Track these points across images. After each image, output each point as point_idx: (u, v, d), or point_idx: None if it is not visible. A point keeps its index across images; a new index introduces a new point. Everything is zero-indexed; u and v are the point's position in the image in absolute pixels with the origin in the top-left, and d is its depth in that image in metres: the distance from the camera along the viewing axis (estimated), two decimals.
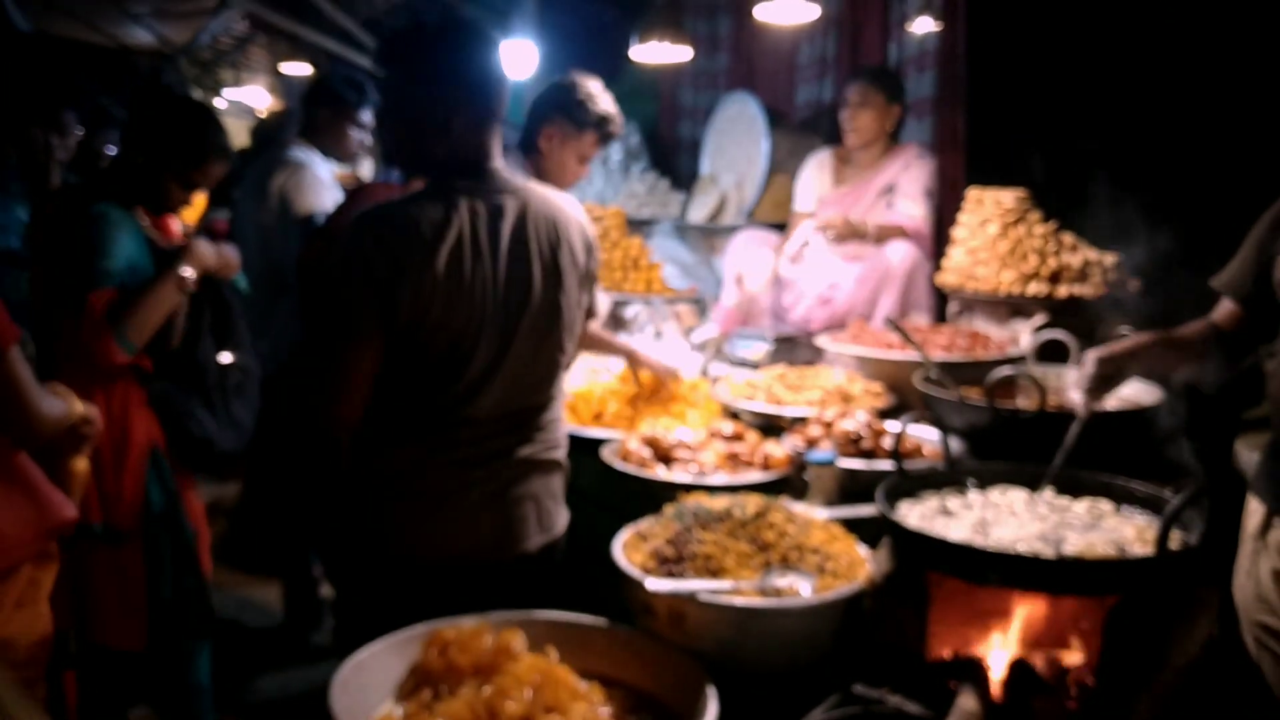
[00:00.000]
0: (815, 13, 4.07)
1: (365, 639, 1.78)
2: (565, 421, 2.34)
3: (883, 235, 3.93)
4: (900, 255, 3.85)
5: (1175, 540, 1.73)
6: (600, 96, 3.21)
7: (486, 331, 2.07)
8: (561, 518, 2.31)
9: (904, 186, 4.01)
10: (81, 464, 2.14)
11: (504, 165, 2.16)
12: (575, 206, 2.26)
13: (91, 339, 2.52)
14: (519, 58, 5.11)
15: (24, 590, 1.98)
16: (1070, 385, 2.24)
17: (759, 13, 4.11)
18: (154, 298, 2.63)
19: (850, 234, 3.94)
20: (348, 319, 2.00)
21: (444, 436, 2.11)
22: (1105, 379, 2.16)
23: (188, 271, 2.69)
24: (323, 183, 3.92)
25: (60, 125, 3.58)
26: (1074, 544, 1.82)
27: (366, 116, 4.08)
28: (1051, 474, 2.09)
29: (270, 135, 5.10)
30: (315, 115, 4.08)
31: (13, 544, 1.92)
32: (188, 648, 2.78)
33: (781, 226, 4.49)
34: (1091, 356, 2.17)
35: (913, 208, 3.96)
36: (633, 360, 3.18)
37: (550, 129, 3.20)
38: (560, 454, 2.30)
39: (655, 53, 4.33)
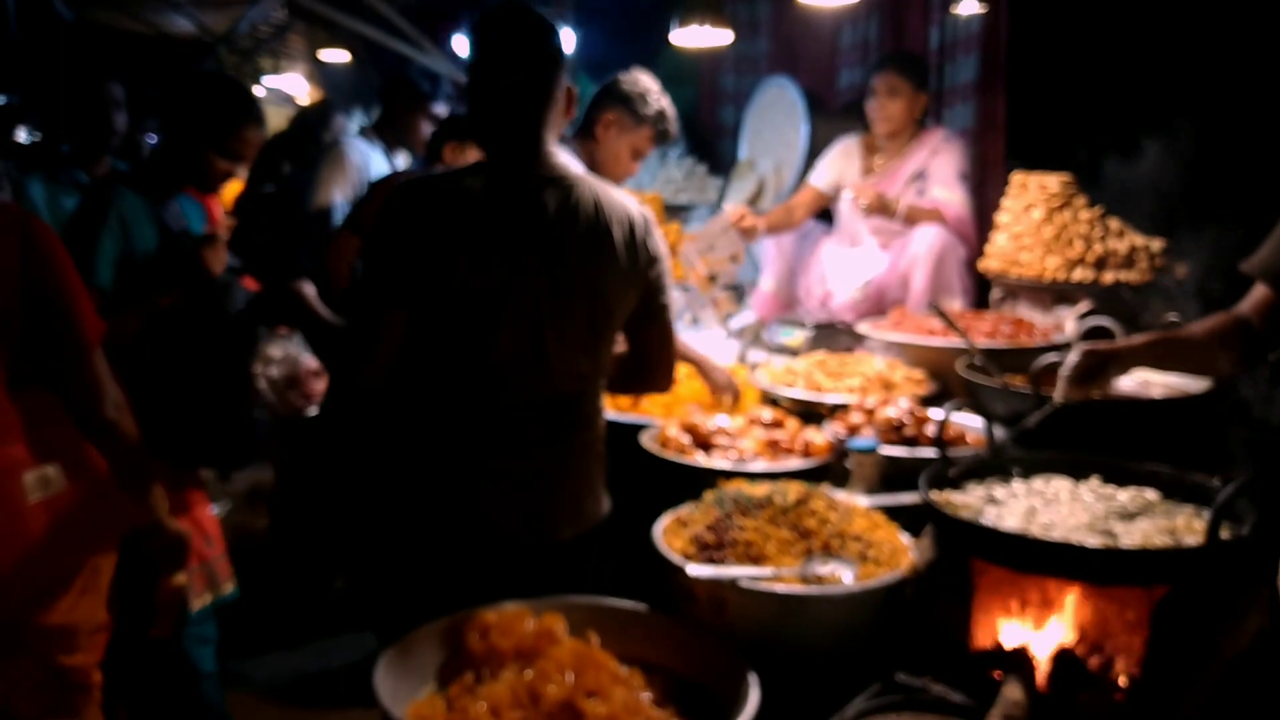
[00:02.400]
0: None
1: (395, 621, 1.82)
2: (604, 411, 2.32)
3: (913, 216, 3.90)
4: (929, 239, 3.82)
5: (1226, 531, 1.70)
6: (660, 94, 3.26)
7: (511, 308, 2.06)
8: (598, 508, 2.28)
9: (936, 172, 3.96)
10: (175, 581, 2.18)
11: (559, 152, 2.16)
12: (631, 203, 2.20)
13: None
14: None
15: (88, 578, 2.02)
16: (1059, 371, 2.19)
17: None
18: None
19: (880, 208, 3.93)
20: (379, 273, 2.06)
21: (477, 420, 2.12)
22: (1089, 371, 2.12)
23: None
24: (355, 172, 3.96)
25: (117, 102, 3.63)
26: (1122, 533, 1.79)
27: (439, 108, 4.19)
28: (1012, 457, 2.09)
29: (310, 123, 5.14)
30: (393, 107, 4.19)
31: (79, 539, 1.95)
32: (185, 641, 2.81)
33: (823, 215, 4.46)
34: (1078, 348, 2.13)
35: (949, 194, 3.91)
36: (700, 369, 3.10)
37: (609, 117, 3.25)
38: (598, 443, 2.28)
39: (695, 37, 4.30)
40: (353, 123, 4.72)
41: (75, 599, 2.00)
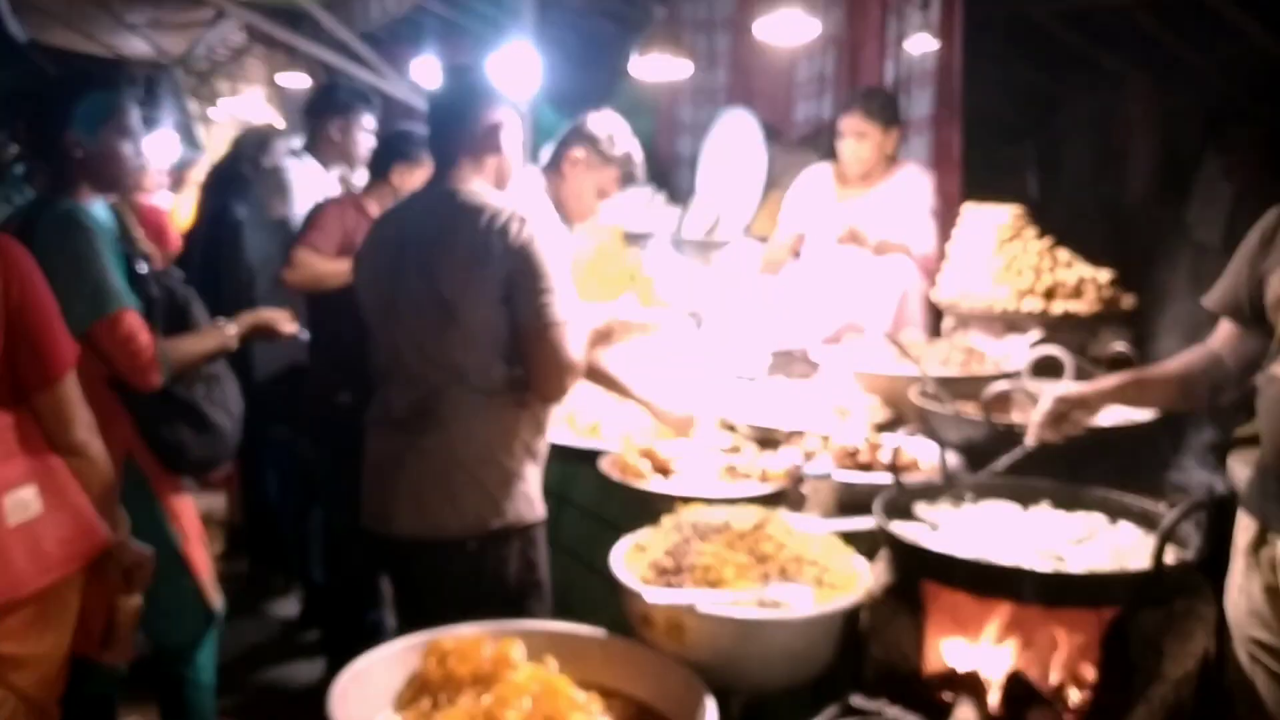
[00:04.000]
0: (815, 31, 4.08)
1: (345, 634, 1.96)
2: (482, 418, 2.39)
3: (883, 249, 3.92)
4: (894, 272, 3.86)
5: (1171, 555, 1.74)
6: (628, 136, 3.30)
7: (383, 313, 2.46)
8: (456, 517, 2.35)
9: (907, 208, 3.92)
10: (133, 602, 2.14)
11: (458, 172, 2.44)
12: (499, 209, 2.34)
13: (131, 362, 2.52)
14: (521, 74, 5.09)
15: (56, 605, 1.98)
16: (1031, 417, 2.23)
17: (757, 30, 4.13)
18: (201, 346, 2.74)
19: (853, 239, 3.92)
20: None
21: (374, 413, 2.53)
22: (1060, 416, 2.17)
23: (232, 330, 2.83)
24: (296, 193, 3.97)
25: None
26: (1071, 558, 1.83)
27: (368, 121, 4.16)
28: (973, 486, 2.16)
29: (247, 151, 4.99)
30: (317, 123, 4.15)
31: (55, 563, 1.92)
32: (187, 648, 2.77)
33: None
34: (1050, 394, 2.18)
35: (921, 236, 3.89)
36: (650, 412, 2.97)
37: (575, 155, 3.28)
38: (464, 453, 2.36)
39: (654, 67, 4.36)
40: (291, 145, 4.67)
41: (43, 626, 1.95)
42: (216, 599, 2.82)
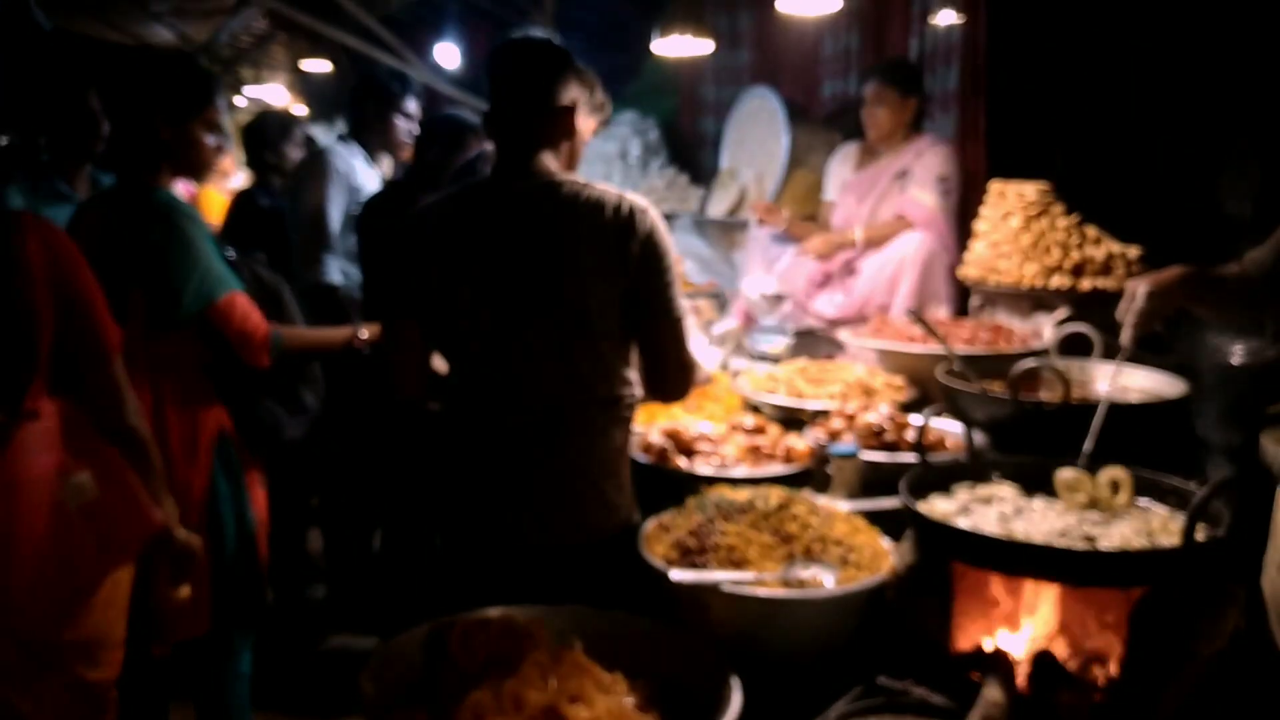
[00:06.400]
0: (837, 4, 4.04)
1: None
2: (602, 429, 2.23)
3: (874, 238, 4.05)
4: (915, 245, 3.88)
5: (1202, 532, 1.72)
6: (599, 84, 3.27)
7: (483, 318, 2.17)
8: (577, 529, 2.22)
9: (916, 174, 4.06)
10: (183, 591, 2.15)
11: (542, 160, 2.21)
12: (618, 197, 2.16)
13: (247, 342, 2.57)
14: None
15: (111, 590, 1.98)
16: (1120, 319, 2.19)
17: (781, 4, 4.10)
18: (323, 337, 2.86)
19: (832, 250, 4.14)
20: (388, 289, 2.30)
21: (469, 419, 2.25)
22: (1153, 312, 2.14)
23: (364, 334, 2.91)
24: (342, 178, 3.96)
25: (98, 111, 3.58)
26: (1099, 535, 1.81)
27: (411, 107, 4.14)
28: (990, 460, 2.15)
29: (263, 136, 4.94)
30: (363, 110, 4.15)
31: (117, 547, 1.94)
32: (237, 637, 2.78)
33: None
34: (1141, 290, 2.14)
35: (923, 195, 4.00)
36: None
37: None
38: (588, 466, 2.21)
39: (676, 46, 4.32)
40: (323, 130, 4.66)
41: (101, 612, 1.96)
42: (269, 590, 2.84)
